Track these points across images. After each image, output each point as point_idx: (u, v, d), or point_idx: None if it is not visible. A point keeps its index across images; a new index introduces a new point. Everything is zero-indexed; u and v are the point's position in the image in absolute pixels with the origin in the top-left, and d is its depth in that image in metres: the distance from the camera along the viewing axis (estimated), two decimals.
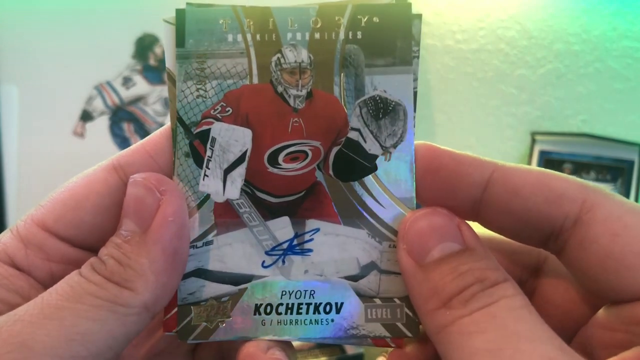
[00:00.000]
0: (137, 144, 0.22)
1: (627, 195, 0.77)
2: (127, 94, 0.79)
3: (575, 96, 0.84)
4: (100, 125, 0.79)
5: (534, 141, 0.82)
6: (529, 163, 0.82)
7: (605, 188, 0.20)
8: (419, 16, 0.22)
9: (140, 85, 0.79)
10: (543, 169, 0.21)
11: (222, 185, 0.22)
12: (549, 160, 0.81)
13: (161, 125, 0.80)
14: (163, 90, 0.80)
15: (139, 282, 0.20)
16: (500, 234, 0.22)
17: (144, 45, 0.79)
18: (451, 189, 0.21)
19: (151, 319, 0.20)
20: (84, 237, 0.22)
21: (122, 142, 0.79)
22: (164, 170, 0.22)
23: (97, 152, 0.78)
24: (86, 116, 0.79)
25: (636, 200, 0.76)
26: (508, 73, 0.84)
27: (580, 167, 0.80)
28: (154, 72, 0.79)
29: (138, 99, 0.79)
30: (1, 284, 0.21)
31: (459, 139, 0.86)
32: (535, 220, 0.20)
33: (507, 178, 0.20)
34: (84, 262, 0.21)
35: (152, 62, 0.79)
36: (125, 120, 0.79)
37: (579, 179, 0.20)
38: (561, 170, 0.84)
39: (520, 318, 0.18)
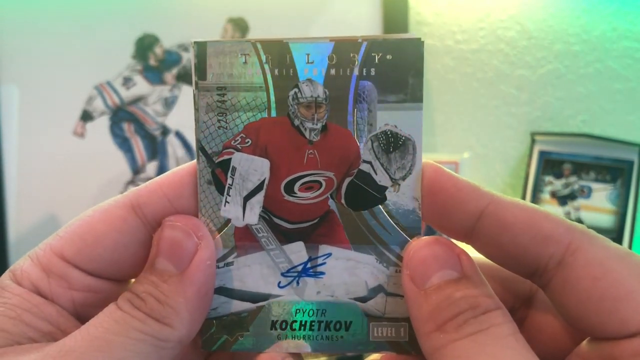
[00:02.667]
0: (155, 183, 0.24)
1: (626, 195, 0.77)
2: (127, 94, 0.79)
3: (575, 96, 0.84)
4: (101, 126, 0.79)
5: (533, 141, 0.82)
6: (529, 163, 0.82)
7: (591, 231, 0.21)
8: (421, 42, 0.23)
9: (141, 86, 0.79)
10: (537, 207, 0.22)
11: (242, 211, 0.24)
12: (548, 161, 0.81)
13: (161, 125, 0.80)
14: (163, 91, 0.80)
15: (176, 319, 0.21)
16: (490, 260, 0.23)
17: (144, 46, 0.79)
18: (447, 213, 0.23)
19: (180, 350, 0.22)
20: (102, 270, 0.24)
21: (122, 142, 0.79)
22: (181, 212, 0.24)
23: (97, 152, 0.78)
24: (86, 116, 0.79)
25: (636, 200, 0.76)
26: (508, 73, 0.84)
27: (580, 168, 0.80)
28: (154, 72, 0.79)
29: (138, 99, 0.79)
30: (32, 313, 0.22)
31: (459, 139, 0.86)
32: (522, 256, 0.22)
33: (500, 212, 0.22)
34: (104, 289, 0.23)
35: (152, 62, 0.79)
36: (125, 120, 0.79)
37: (568, 221, 0.21)
38: (561, 171, 0.84)
39: (507, 346, 0.19)
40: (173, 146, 0.80)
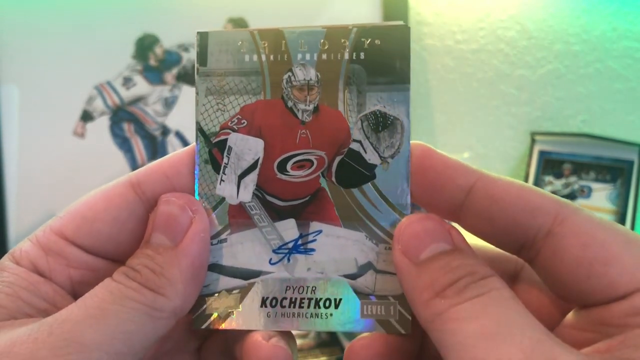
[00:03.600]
0: (155, 163, 0.25)
1: (626, 195, 0.77)
2: (127, 94, 0.79)
3: (575, 96, 0.84)
4: (101, 126, 0.79)
5: (533, 141, 0.82)
6: (529, 163, 0.82)
7: (575, 204, 0.22)
8: (408, 28, 0.25)
9: (141, 86, 0.79)
10: (523, 183, 0.23)
11: (236, 189, 0.25)
12: (548, 161, 0.81)
13: (162, 125, 0.80)
14: (163, 91, 0.80)
15: (171, 289, 0.22)
16: (478, 237, 0.24)
17: (144, 46, 0.79)
18: (437, 190, 0.23)
19: (174, 323, 0.22)
20: (101, 247, 0.24)
21: (123, 142, 0.79)
22: (177, 191, 0.24)
23: (97, 152, 0.78)
24: (86, 116, 0.79)
25: (635, 200, 0.76)
26: (508, 73, 0.84)
27: (579, 167, 0.80)
28: (154, 72, 0.79)
29: (138, 99, 0.79)
30: (29, 290, 0.22)
31: (459, 139, 0.86)
32: (511, 228, 0.22)
33: (489, 187, 0.22)
34: (100, 268, 0.24)
35: (152, 62, 0.79)
36: (125, 120, 0.79)
37: (554, 195, 0.22)
38: (561, 171, 0.84)
39: (510, 307, 0.20)
40: (173, 146, 0.80)
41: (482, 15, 0.84)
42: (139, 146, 0.79)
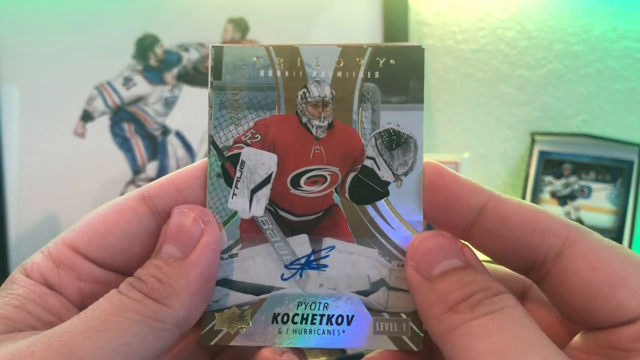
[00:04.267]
0: (167, 177, 0.25)
1: (626, 195, 0.77)
2: (127, 94, 0.79)
3: (575, 96, 0.84)
4: (101, 126, 0.79)
5: (533, 141, 0.82)
6: (529, 163, 0.82)
7: (584, 226, 0.22)
8: (422, 49, 0.25)
9: (141, 86, 0.79)
10: (534, 204, 0.23)
11: (248, 204, 0.25)
12: (548, 161, 0.82)
13: (162, 125, 0.80)
14: (163, 91, 0.80)
15: (176, 300, 0.21)
16: (488, 256, 0.24)
17: (145, 46, 0.79)
18: (449, 208, 0.23)
19: (178, 336, 0.22)
20: (112, 260, 0.24)
21: (123, 142, 0.79)
22: (189, 204, 0.24)
23: (97, 152, 0.78)
24: (87, 116, 0.79)
25: (636, 200, 0.76)
26: (508, 73, 0.84)
27: (579, 168, 0.80)
28: (155, 73, 0.79)
29: (138, 99, 0.79)
30: (36, 303, 0.22)
31: (459, 139, 0.86)
32: (521, 249, 0.22)
33: (500, 207, 0.23)
34: (111, 281, 0.24)
35: (152, 62, 0.79)
36: (125, 120, 0.79)
37: (564, 218, 0.22)
38: (561, 171, 0.84)
39: (524, 326, 0.20)
40: (173, 146, 0.80)
41: (482, 16, 0.84)
42: (139, 146, 0.79)
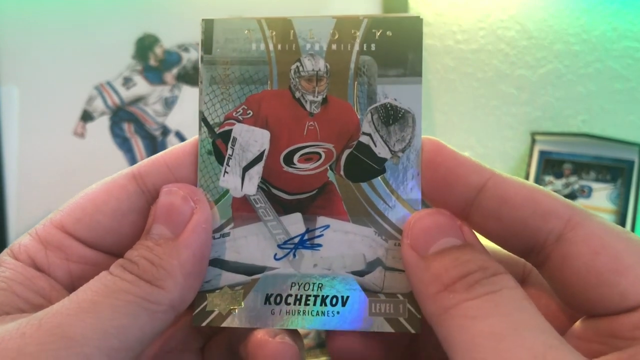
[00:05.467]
0: (158, 155, 0.24)
1: (627, 195, 0.77)
2: (127, 94, 0.79)
3: (575, 96, 0.84)
4: (101, 126, 0.79)
5: (533, 141, 0.82)
6: (529, 163, 0.82)
7: (588, 210, 0.21)
8: (420, 19, 0.24)
9: (141, 86, 0.79)
10: (536, 185, 0.22)
11: (240, 182, 0.24)
12: (548, 160, 0.81)
13: (162, 125, 0.80)
14: (163, 91, 0.80)
15: (169, 281, 0.21)
16: (486, 237, 0.23)
17: (145, 46, 0.79)
18: (448, 187, 0.22)
19: (174, 318, 0.22)
20: (101, 240, 0.23)
21: (123, 142, 0.79)
22: (180, 182, 0.24)
23: (97, 152, 0.78)
24: (86, 116, 0.79)
25: (636, 200, 0.76)
26: (508, 73, 0.84)
27: (580, 167, 0.80)
28: (155, 73, 0.79)
29: (138, 99, 0.79)
30: (24, 285, 0.22)
31: (459, 139, 0.86)
32: (521, 230, 0.21)
33: (501, 186, 0.22)
34: (100, 262, 0.23)
35: (152, 62, 0.79)
36: (125, 120, 0.79)
37: (567, 200, 0.21)
38: (561, 171, 0.84)
39: (522, 308, 0.19)
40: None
41: (482, 16, 0.84)
42: (139, 146, 0.79)
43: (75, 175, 0.78)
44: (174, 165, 0.24)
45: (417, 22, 0.24)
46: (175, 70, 0.79)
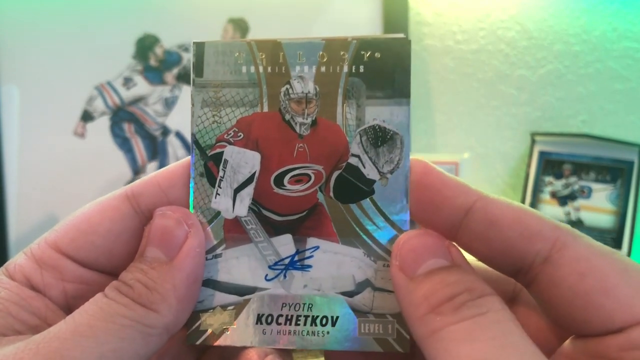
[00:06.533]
0: (151, 176, 0.24)
1: (626, 195, 0.77)
2: (127, 94, 0.79)
3: (575, 97, 0.84)
4: (101, 126, 0.79)
5: (533, 141, 0.82)
6: (529, 164, 0.82)
7: (575, 230, 0.22)
8: (408, 41, 0.24)
9: (141, 86, 0.79)
10: (523, 205, 0.22)
11: (232, 203, 0.25)
12: (548, 161, 0.81)
13: (162, 125, 0.80)
14: (164, 91, 0.80)
15: (164, 305, 0.21)
16: (475, 257, 0.23)
17: (145, 46, 0.79)
18: (435, 208, 0.23)
19: (167, 340, 0.22)
20: (95, 260, 0.24)
21: (123, 142, 0.79)
22: (172, 203, 0.24)
23: (97, 152, 0.78)
24: (87, 116, 0.79)
25: (636, 201, 0.76)
26: (508, 73, 0.84)
27: (580, 168, 0.80)
28: (155, 73, 0.79)
29: (139, 100, 0.79)
30: (20, 306, 0.22)
31: (459, 139, 0.86)
32: (509, 252, 0.22)
33: (488, 208, 0.22)
34: (95, 282, 0.23)
35: (152, 62, 0.79)
36: (125, 120, 0.79)
37: (554, 220, 0.22)
38: (561, 171, 0.84)
39: (508, 331, 0.19)
40: (173, 146, 0.80)
41: (482, 16, 0.84)
42: (139, 146, 0.79)
43: (75, 175, 0.78)
44: (166, 186, 0.24)
45: (405, 43, 0.24)
46: (175, 71, 0.79)
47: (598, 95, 0.84)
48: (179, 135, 0.80)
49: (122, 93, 0.79)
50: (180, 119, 0.80)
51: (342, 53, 0.24)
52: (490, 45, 0.84)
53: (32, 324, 0.22)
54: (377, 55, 0.24)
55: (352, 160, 0.24)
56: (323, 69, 0.24)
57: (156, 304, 0.21)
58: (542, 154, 0.82)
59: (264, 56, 0.24)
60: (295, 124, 0.24)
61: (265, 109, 0.24)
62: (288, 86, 0.24)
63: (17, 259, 0.23)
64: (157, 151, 0.80)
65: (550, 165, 0.81)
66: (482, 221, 0.22)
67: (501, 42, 0.84)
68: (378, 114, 0.24)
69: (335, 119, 0.24)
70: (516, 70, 0.84)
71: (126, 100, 0.79)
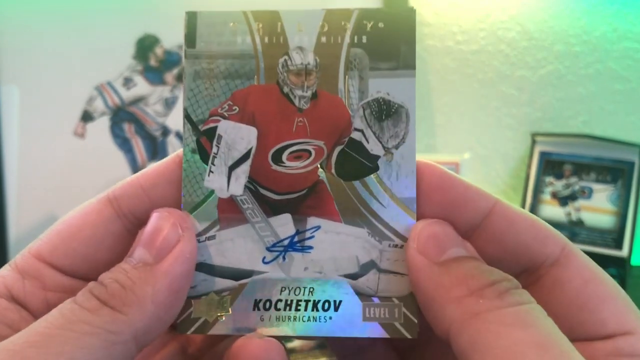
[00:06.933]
0: (133, 177, 0.23)
1: (627, 196, 0.77)
2: (127, 94, 0.79)
3: (575, 97, 0.84)
4: (101, 126, 0.79)
5: (534, 142, 0.82)
6: (529, 164, 0.82)
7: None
8: (414, 11, 0.23)
9: (141, 86, 0.79)
10: (531, 213, 0.23)
11: (226, 181, 0.23)
12: (549, 161, 0.81)
13: (162, 125, 0.80)
14: (164, 91, 0.80)
15: (136, 308, 0.20)
16: (486, 256, 0.23)
17: (145, 46, 0.79)
18: (457, 210, 0.22)
19: (137, 353, 0.20)
20: (77, 267, 0.23)
21: (123, 142, 0.79)
22: (155, 204, 0.23)
23: (97, 152, 0.78)
24: (87, 116, 0.79)
25: (636, 201, 0.76)
26: (508, 74, 0.84)
27: (580, 168, 0.80)
28: (155, 73, 0.79)
29: (139, 100, 0.79)
30: None
31: (459, 139, 0.86)
32: (522, 253, 0.22)
33: (506, 212, 0.22)
34: (78, 290, 0.21)
35: (152, 62, 0.79)
36: (125, 120, 0.79)
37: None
38: (562, 171, 0.84)
39: (552, 324, 0.19)
40: (174, 147, 0.80)
41: (482, 16, 0.84)
42: (139, 146, 0.79)
43: (75, 175, 0.78)
44: (148, 187, 0.23)
45: (411, 13, 0.23)
46: (175, 71, 0.79)
47: (598, 96, 0.84)
48: (179, 135, 0.80)
49: (122, 93, 0.79)
50: (181, 120, 0.80)
51: (343, 23, 0.23)
52: (490, 45, 0.84)
53: (3, 335, 0.20)
54: (381, 25, 0.23)
55: (355, 135, 0.23)
56: (324, 39, 0.23)
57: (127, 305, 0.19)
58: (542, 155, 0.82)
59: (260, 26, 0.23)
60: (294, 97, 0.23)
61: (262, 82, 0.23)
62: (286, 57, 0.23)
63: (2, 271, 0.22)
64: (157, 151, 0.80)
65: (551, 165, 0.81)
66: (501, 223, 0.22)
67: (501, 43, 0.84)
68: (382, 86, 0.23)
69: (336, 91, 0.23)
70: (516, 70, 0.84)
71: (126, 100, 0.79)
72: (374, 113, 0.23)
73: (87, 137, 0.78)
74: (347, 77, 0.23)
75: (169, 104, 0.80)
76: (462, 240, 0.22)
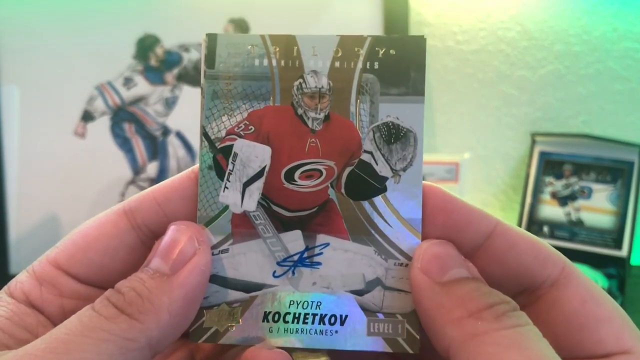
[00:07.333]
0: (148, 190, 0.24)
1: (627, 196, 0.77)
2: (128, 94, 0.79)
3: (575, 97, 0.84)
4: (101, 126, 0.79)
5: (534, 142, 0.82)
6: (529, 164, 0.82)
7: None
8: (424, 39, 0.24)
9: (141, 86, 0.79)
10: (531, 234, 0.24)
11: (240, 198, 0.24)
12: (549, 161, 0.82)
13: (162, 125, 0.80)
14: (164, 91, 0.80)
15: (152, 316, 0.20)
16: (487, 276, 0.24)
17: (145, 46, 0.79)
18: (460, 231, 0.23)
19: (151, 359, 0.21)
20: (93, 276, 0.24)
21: (123, 142, 0.79)
22: (169, 217, 0.24)
23: (97, 152, 0.78)
24: (87, 116, 0.79)
25: (636, 201, 0.76)
26: (508, 74, 0.84)
27: (580, 168, 0.80)
28: (155, 73, 0.79)
29: (139, 100, 0.79)
30: (12, 321, 0.22)
31: (459, 139, 0.86)
32: (522, 273, 0.23)
33: (507, 233, 0.23)
34: (93, 297, 0.22)
35: (153, 62, 0.79)
36: (126, 120, 0.79)
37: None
38: (562, 171, 0.84)
39: (548, 346, 0.20)
40: (174, 146, 0.80)
41: (482, 16, 0.84)
42: (139, 146, 0.79)
43: (75, 175, 0.78)
44: (162, 201, 0.24)
45: (421, 41, 0.24)
46: (175, 71, 0.79)
47: (598, 96, 0.84)
48: (179, 135, 0.80)
49: (123, 93, 0.79)
50: (181, 119, 0.80)
51: (356, 49, 0.24)
52: (490, 45, 0.84)
53: (22, 338, 0.21)
54: (392, 52, 0.24)
55: (365, 157, 0.24)
56: (337, 64, 0.24)
57: (143, 314, 0.20)
58: (542, 155, 0.82)
59: (277, 49, 0.24)
60: (308, 118, 0.24)
61: (278, 103, 0.24)
62: (301, 80, 0.24)
63: (20, 277, 0.23)
64: (157, 151, 0.80)
65: (551, 165, 0.81)
66: (503, 244, 0.23)
67: (501, 43, 0.84)
68: (392, 111, 0.24)
69: (348, 114, 0.24)
70: (516, 70, 0.84)
71: (126, 100, 0.79)
72: (383, 136, 0.24)
73: (88, 136, 0.78)
74: (358, 101, 0.24)
75: (169, 103, 0.80)
76: (465, 260, 0.23)
